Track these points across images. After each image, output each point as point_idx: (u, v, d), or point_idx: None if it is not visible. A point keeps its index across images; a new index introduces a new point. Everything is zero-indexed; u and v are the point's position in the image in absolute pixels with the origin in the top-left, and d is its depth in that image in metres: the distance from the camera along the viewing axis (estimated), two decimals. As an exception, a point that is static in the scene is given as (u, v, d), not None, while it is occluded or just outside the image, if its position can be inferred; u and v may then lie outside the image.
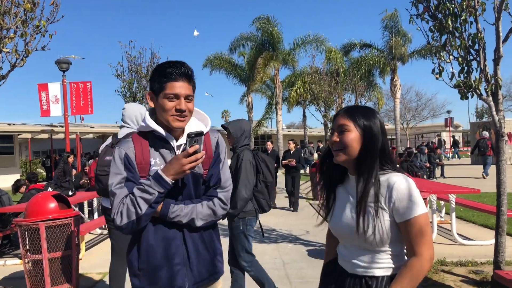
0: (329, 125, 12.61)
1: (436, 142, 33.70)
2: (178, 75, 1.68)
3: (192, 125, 1.81)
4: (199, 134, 1.65)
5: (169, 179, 1.64)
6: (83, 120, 29.05)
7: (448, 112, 40.83)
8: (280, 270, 5.12)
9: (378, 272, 1.56)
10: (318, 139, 30.11)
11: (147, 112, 1.79)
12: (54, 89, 15.36)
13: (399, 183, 1.51)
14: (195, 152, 1.64)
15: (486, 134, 16.18)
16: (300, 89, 25.60)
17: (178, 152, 1.75)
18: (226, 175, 1.84)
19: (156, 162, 1.71)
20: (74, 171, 10.24)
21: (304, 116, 34.01)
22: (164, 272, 1.72)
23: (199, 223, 1.73)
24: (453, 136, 38.11)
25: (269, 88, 33.50)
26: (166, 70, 1.68)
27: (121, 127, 4.02)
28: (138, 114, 3.89)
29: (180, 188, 1.75)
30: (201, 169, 1.78)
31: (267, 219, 7.41)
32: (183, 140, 1.76)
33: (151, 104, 1.76)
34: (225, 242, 3.11)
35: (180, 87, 1.68)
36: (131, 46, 12.44)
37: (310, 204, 10.80)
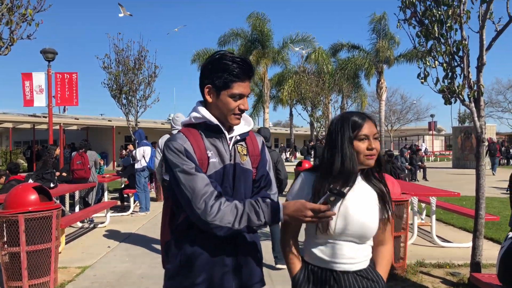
0: (316, 125, 12.66)
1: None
2: (245, 75, 1.64)
3: (240, 125, 1.75)
4: (340, 194, 1.50)
5: (283, 218, 1.56)
6: (66, 111, 28.64)
7: (432, 116, 41.52)
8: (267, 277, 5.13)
9: (366, 264, 1.66)
10: (304, 138, 30.25)
11: (200, 104, 1.71)
12: (39, 79, 15.06)
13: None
14: (323, 210, 1.50)
15: (494, 138, 17.84)
16: (291, 88, 25.71)
17: (230, 143, 1.69)
18: (273, 177, 1.82)
19: (212, 154, 1.64)
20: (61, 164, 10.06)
21: (291, 115, 34.17)
22: (213, 273, 1.64)
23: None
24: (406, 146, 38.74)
25: (257, 86, 33.54)
26: (234, 68, 1.61)
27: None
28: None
29: (231, 182, 1.68)
30: (251, 164, 1.74)
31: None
32: (234, 132, 1.71)
33: (208, 98, 1.67)
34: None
35: (245, 87, 1.65)
36: (119, 39, 12.29)
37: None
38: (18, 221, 4.16)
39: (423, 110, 46.63)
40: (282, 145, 38.38)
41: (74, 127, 27.35)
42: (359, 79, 28.77)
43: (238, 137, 1.72)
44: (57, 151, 8.78)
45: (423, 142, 41.62)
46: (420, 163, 17.02)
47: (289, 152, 31.51)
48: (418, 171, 16.54)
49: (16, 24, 4.25)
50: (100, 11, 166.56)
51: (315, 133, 13.74)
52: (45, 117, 23.46)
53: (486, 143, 4.60)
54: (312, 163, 15.43)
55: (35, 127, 25.29)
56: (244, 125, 1.75)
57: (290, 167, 20.76)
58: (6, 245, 4.26)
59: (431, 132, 40.31)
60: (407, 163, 15.80)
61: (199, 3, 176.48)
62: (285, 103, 28.85)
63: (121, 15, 17.28)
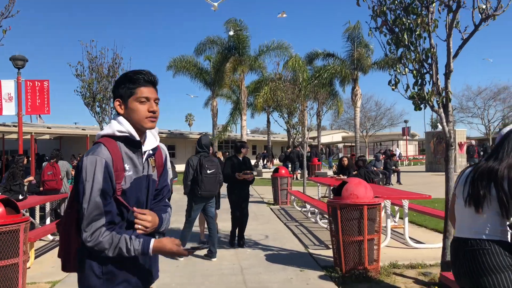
0: (292, 131, 12.77)
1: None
2: (146, 81, 1.82)
3: (150, 136, 1.92)
4: (198, 248, 1.89)
5: (151, 252, 1.75)
6: (39, 119, 27.89)
7: (405, 121, 42.48)
8: (237, 276, 5.14)
9: None
10: (282, 145, 30.43)
11: (121, 117, 1.82)
12: (8, 86, 14.65)
13: None
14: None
15: (473, 142, 19.47)
16: (266, 95, 25.83)
17: (144, 157, 1.87)
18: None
19: (129, 167, 1.79)
20: (31, 177, 9.73)
21: (268, 122, 34.30)
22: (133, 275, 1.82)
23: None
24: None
25: (234, 93, 33.55)
26: (134, 77, 1.81)
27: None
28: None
29: (145, 192, 1.89)
30: (157, 175, 1.97)
31: (226, 225, 7.40)
32: (147, 146, 1.87)
33: (120, 111, 1.83)
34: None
35: (150, 92, 1.83)
36: (92, 46, 12.10)
37: (271, 208, 10.90)
38: (-15, 233, 4.02)
39: (397, 116, 47.68)
40: (261, 152, 38.40)
41: (46, 136, 26.67)
42: (334, 86, 29.24)
43: (151, 152, 1.89)
44: (25, 161, 8.53)
45: (397, 147, 42.52)
46: (394, 167, 17.39)
47: (266, 160, 31.60)
48: (392, 175, 16.89)
49: (-17, 31, 4.15)
50: (74, 17, 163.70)
51: (292, 140, 13.89)
52: (15, 126, 22.78)
53: (455, 147, 4.75)
54: (289, 169, 15.54)
55: (4, 137, 24.52)
56: (154, 141, 1.92)
57: (268, 173, 20.83)
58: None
59: (405, 137, 41.20)
60: (381, 168, 16.12)
61: (176, 10, 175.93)
62: (260, 110, 28.99)
63: (213, 8, 17.92)
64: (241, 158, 6.60)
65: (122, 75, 1.87)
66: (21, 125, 14.33)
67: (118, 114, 1.85)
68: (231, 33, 26.22)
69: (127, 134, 1.78)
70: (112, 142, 1.77)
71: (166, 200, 2.03)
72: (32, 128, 22.34)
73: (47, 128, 24.71)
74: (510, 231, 2.23)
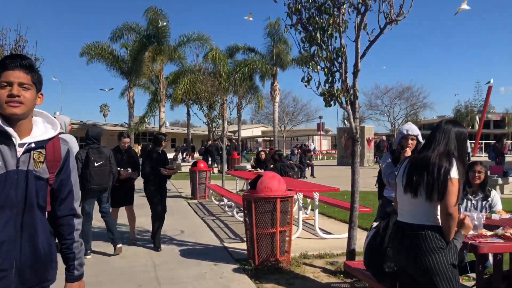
0: (212, 125, 12.70)
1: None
2: (13, 65, 1.68)
3: (40, 128, 1.77)
4: None
5: None
6: None
7: (320, 117, 44.63)
8: (150, 273, 4.99)
9: None
10: (202, 138, 30.23)
11: None
12: None
13: None
14: None
15: (384, 138, 20.91)
16: (186, 87, 25.35)
17: (20, 150, 1.67)
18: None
19: None
20: None
21: (188, 114, 33.81)
22: None
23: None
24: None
25: (153, 83, 32.50)
26: (2, 61, 1.69)
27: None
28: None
29: (20, 188, 1.66)
30: (47, 172, 1.75)
31: (141, 220, 7.14)
32: (29, 139, 1.70)
33: None
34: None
35: (15, 76, 1.67)
36: (-11, 25, 10.85)
37: (188, 203, 10.76)
38: None
39: (312, 112, 49.86)
40: (181, 145, 37.73)
41: None
42: (255, 81, 29.68)
43: (33, 145, 1.71)
44: None
45: (313, 142, 44.52)
46: (308, 161, 18.15)
47: (186, 153, 31.14)
48: (306, 169, 17.63)
49: None
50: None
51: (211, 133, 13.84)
52: None
53: (361, 142, 5.04)
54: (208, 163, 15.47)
55: None
56: (46, 131, 1.78)
57: (187, 167, 20.51)
58: None
59: (319, 133, 43.25)
60: (297, 161, 16.75)
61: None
62: (179, 102, 28.49)
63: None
64: (160, 152, 6.31)
65: None
66: None
67: None
68: (162, 24, 25.42)
69: None
70: None
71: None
72: None
73: None
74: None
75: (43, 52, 49.85)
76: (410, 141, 3.98)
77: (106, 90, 43.16)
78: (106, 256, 5.65)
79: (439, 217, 2.47)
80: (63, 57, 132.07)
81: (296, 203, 6.66)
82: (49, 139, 1.77)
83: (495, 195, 4.10)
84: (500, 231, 3.01)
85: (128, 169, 6.23)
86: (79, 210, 1.90)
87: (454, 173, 2.41)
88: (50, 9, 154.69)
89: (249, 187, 5.37)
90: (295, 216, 6.57)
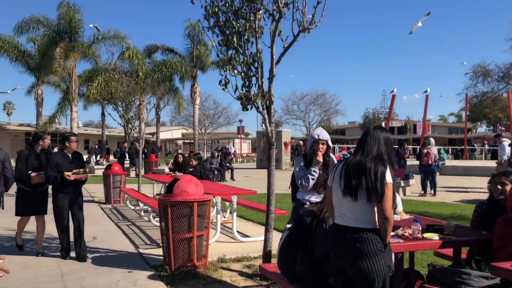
0: (129, 126, 12.18)
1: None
2: None
3: None
4: None
5: None
6: None
7: (240, 121, 45.07)
8: (56, 283, 4.64)
9: None
10: (118, 140, 28.93)
11: None
12: None
13: None
14: None
15: (301, 142, 22.31)
16: (100, 86, 24.05)
17: None
18: None
19: None
20: None
21: (103, 115, 32.19)
22: None
23: None
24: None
25: (64, 81, 30.39)
26: None
27: None
28: None
29: None
30: None
31: (49, 227, 6.60)
32: None
33: None
34: None
35: None
36: None
37: (102, 208, 10.21)
38: None
39: (233, 115, 50.23)
40: (94, 146, 35.66)
41: None
42: (174, 82, 29.17)
43: None
44: None
45: (233, 145, 44.80)
46: (228, 164, 18.24)
47: (99, 155, 29.54)
48: (226, 172, 17.69)
49: None
50: None
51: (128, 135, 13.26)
52: None
53: (276, 146, 5.18)
54: (123, 166, 14.80)
55: None
56: None
57: (100, 170, 19.43)
58: None
59: (239, 136, 43.70)
60: (217, 165, 16.74)
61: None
62: (93, 101, 27.00)
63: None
64: (70, 154, 5.66)
65: None
66: None
67: None
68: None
69: None
70: None
71: None
72: None
73: None
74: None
75: None
76: (321, 146, 4.16)
77: (8, 92, 38.74)
78: (11, 266, 5.12)
79: (377, 219, 2.55)
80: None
81: (215, 207, 6.64)
82: None
83: (397, 197, 4.45)
84: (400, 231, 3.26)
85: (42, 172, 5.53)
86: None
87: (389, 177, 2.53)
88: None
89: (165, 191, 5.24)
90: (213, 219, 6.55)
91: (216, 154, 18.02)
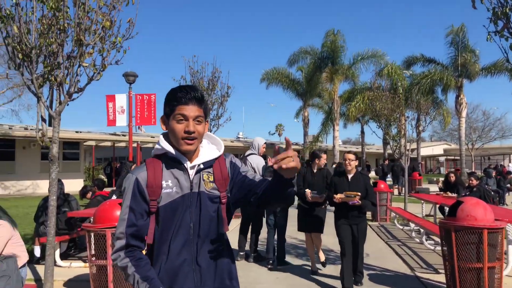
0: (391, 143, 12.13)
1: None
2: (187, 98, 1.71)
3: (206, 149, 1.83)
4: None
5: None
6: (140, 129, 30.33)
7: (519, 133, 38.09)
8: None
9: None
10: (376, 157, 29.25)
11: (161, 135, 1.82)
12: (121, 100, 16.19)
13: None
14: None
15: None
16: (359, 105, 25.02)
17: (191, 172, 1.75)
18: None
19: (168, 185, 1.73)
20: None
21: (362, 132, 33.23)
22: None
23: None
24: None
25: (326, 103, 33.15)
26: (176, 94, 1.72)
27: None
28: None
29: (194, 209, 1.74)
30: (218, 189, 1.79)
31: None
32: (198, 161, 1.77)
33: (164, 128, 1.80)
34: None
35: (190, 110, 1.71)
36: (194, 61, 12.78)
37: (369, 225, 10.38)
38: (106, 235, 4.39)
39: (509, 127, 43.07)
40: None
41: (150, 145, 28.89)
42: (436, 94, 27.32)
43: (202, 166, 1.77)
44: (133, 167, 9.22)
45: (510, 162, 38.22)
46: (509, 185, 15.58)
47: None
48: (507, 194, 15.13)
49: (107, 52, 4.55)
50: (176, 36, 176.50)
51: (390, 151, 13.16)
52: (124, 135, 24.97)
53: None
54: (388, 183, 14.72)
55: (115, 145, 27.07)
56: (211, 151, 1.82)
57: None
58: (94, 258, 4.51)
59: (518, 151, 36.92)
60: (494, 185, 14.53)
61: (269, 22, 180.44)
62: (353, 120, 28.15)
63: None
64: (315, 170, 5.80)
65: (169, 91, 1.77)
66: (131, 135, 15.68)
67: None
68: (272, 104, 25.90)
69: (165, 152, 1.76)
70: (155, 160, 1.78)
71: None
72: (138, 137, 24.38)
73: (151, 137, 26.73)
74: None
75: (231, 80, 56.17)
76: None
77: (272, 105, 47.64)
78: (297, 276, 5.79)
79: None
80: (247, 84, 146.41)
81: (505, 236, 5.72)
82: (215, 159, 1.81)
83: None
84: None
85: (315, 191, 5.74)
86: None
87: None
88: (237, 43, 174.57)
89: (442, 213, 4.83)
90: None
91: (493, 173, 15.65)
